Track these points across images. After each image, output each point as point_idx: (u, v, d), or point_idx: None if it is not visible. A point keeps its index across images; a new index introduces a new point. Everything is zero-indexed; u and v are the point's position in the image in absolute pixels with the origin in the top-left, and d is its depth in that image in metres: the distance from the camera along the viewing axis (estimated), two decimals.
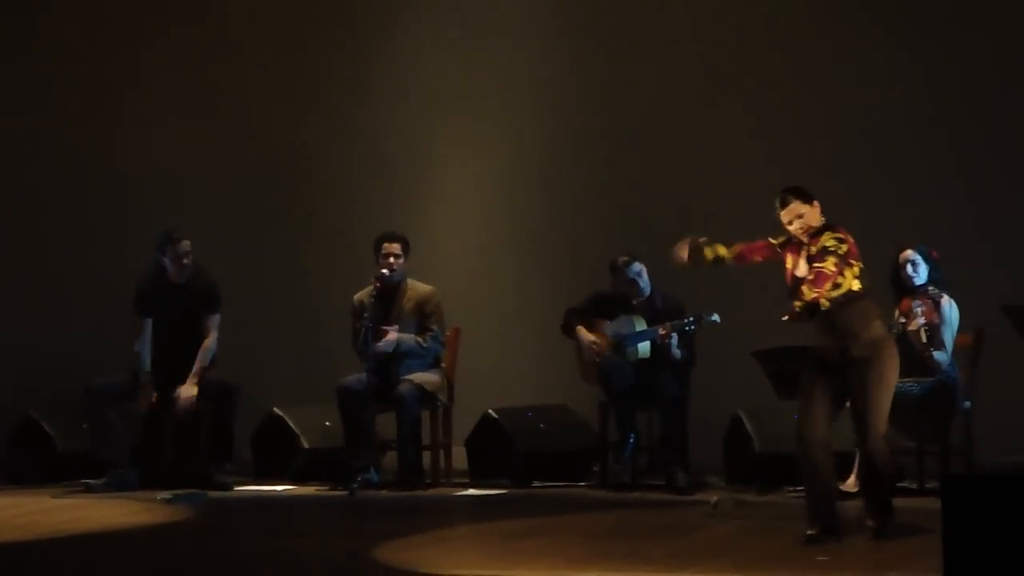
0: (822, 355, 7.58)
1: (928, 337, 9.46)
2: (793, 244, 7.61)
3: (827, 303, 7.45)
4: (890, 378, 7.61)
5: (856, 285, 7.49)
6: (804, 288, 7.41)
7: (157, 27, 12.51)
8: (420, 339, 10.30)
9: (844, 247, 7.45)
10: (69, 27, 12.62)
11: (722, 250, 7.78)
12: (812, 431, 7.58)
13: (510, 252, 11.90)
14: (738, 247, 7.78)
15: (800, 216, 7.54)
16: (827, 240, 7.46)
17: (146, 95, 12.45)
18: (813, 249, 7.48)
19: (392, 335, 10.21)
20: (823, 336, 7.56)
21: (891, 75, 11.00)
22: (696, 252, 7.75)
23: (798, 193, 7.58)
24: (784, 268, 7.61)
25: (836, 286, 7.46)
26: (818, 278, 7.40)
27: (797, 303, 7.44)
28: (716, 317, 9.90)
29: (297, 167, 12.25)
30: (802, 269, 7.51)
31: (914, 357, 9.53)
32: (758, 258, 7.80)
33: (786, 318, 7.50)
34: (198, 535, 8.65)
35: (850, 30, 11.14)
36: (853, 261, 7.49)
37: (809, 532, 7.54)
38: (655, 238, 10.63)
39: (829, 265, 7.41)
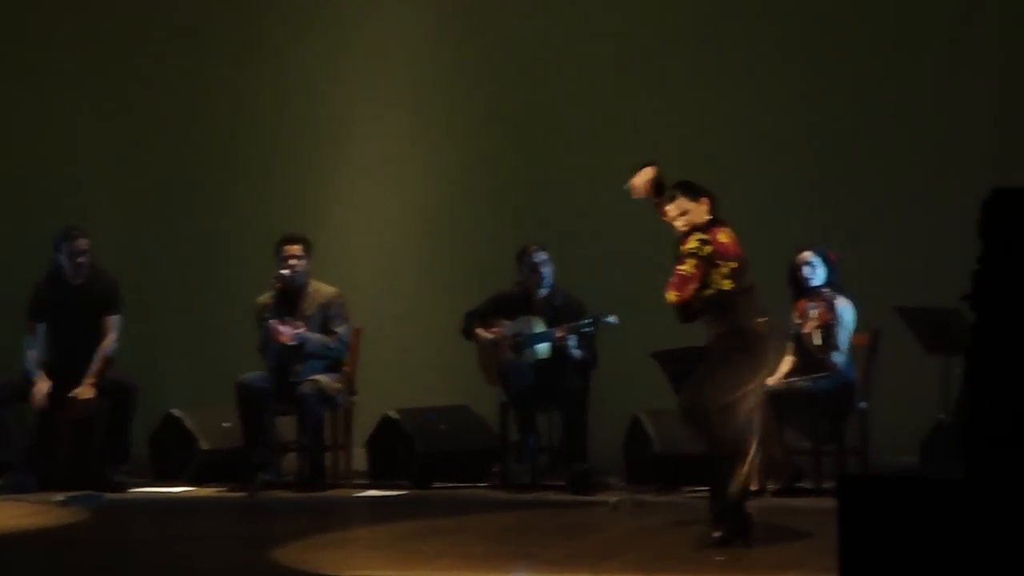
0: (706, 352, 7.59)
1: (823, 338, 9.55)
2: None
3: (700, 304, 7.45)
4: (734, 365, 7.41)
5: (727, 284, 7.42)
6: (667, 291, 7.41)
7: (56, 23, 12.37)
8: (327, 340, 10.25)
9: (708, 248, 7.38)
10: None
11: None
12: None
13: (412, 253, 11.88)
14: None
15: (685, 212, 7.49)
16: (692, 242, 7.40)
17: (42, 93, 12.30)
18: (682, 249, 7.48)
19: (301, 328, 10.14)
20: (706, 336, 7.57)
21: (792, 77, 11.09)
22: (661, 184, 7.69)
23: (687, 189, 7.53)
24: None
25: (706, 286, 7.45)
26: (678, 281, 7.35)
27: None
28: (613, 318, 9.93)
29: (198, 164, 12.16)
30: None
31: (811, 358, 9.63)
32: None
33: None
34: (94, 538, 8.56)
35: (753, 33, 11.22)
36: (720, 261, 7.40)
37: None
38: (561, 241, 10.69)
39: (688, 267, 7.35)
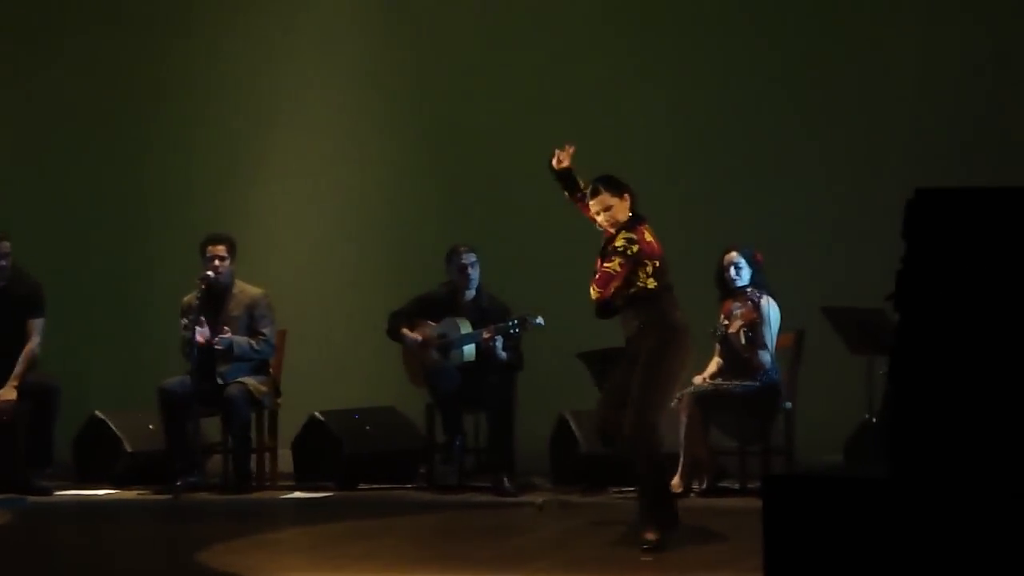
0: (626, 346, 7.59)
1: (748, 338, 9.58)
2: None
3: (622, 301, 7.46)
4: (668, 367, 7.43)
5: (651, 283, 7.43)
6: (591, 287, 7.41)
7: None
8: (253, 342, 10.19)
9: (635, 247, 7.38)
10: None
11: (581, 182, 7.70)
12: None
13: (337, 254, 11.84)
14: (584, 198, 7.68)
15: (608, 208, 7.46)
16: (619, 240, 7.41)
17: None
18: (609, 247, 7.46)
19: (228, 331, 10.07)
20: (624, 330, 7.58)
21: (720, 76, 11.14)
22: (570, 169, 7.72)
23: (609, 184, 7.51)
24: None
25: (631, 284, 7.45)
26: (602, 278, 7.37)
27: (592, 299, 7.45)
28: (540, 320, 9.92)
29: (124, 163, 12.06)
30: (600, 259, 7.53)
31: (738, 358, 9.67)
32: (587, 214, 7.74)
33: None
34: (17, 541, 8.48)
35: (683, 32, 11.26)
36: (647, 260, 7.41)
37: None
38: (489, 241, 10.68)
39: (615, 266, 7.36)
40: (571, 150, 7.78)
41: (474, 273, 10.19)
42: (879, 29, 10.98)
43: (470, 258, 10.18)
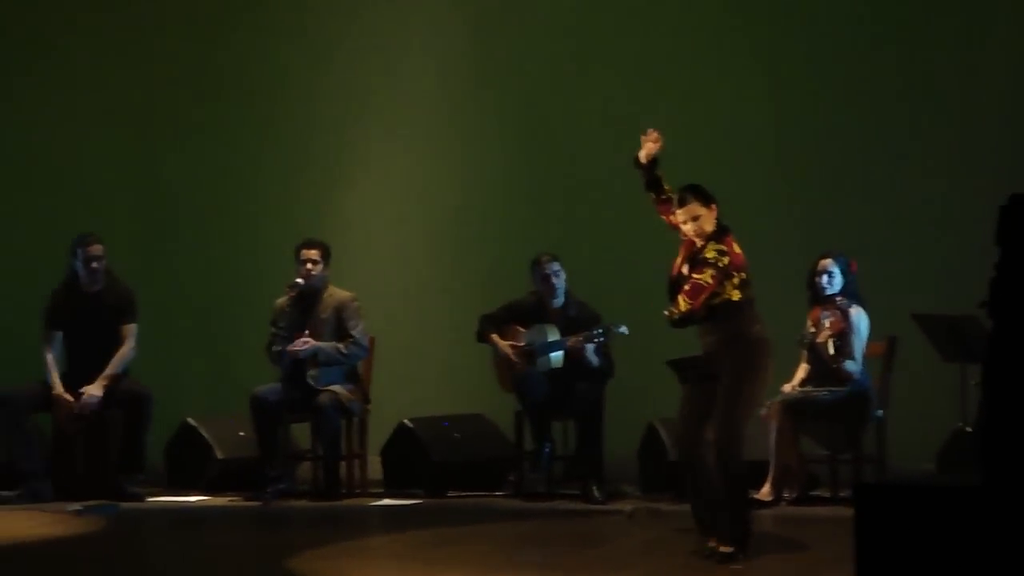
0: (705, 359, 7.55)
1: (837, 348, 9.50)
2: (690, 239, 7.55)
3: (704, 312, 7.40)
4: (751, 382, 7.36)
5: (736, 295, 7.37)
6: (680, 297, 7.36)
7: (67, 24, 12.37)
8: (341, 346, 10.24)
9: (725, 259, 7.32)
10: None
11: (666, 185, 7.67)
12: (684, 434, 7.53)
13: (426, 261, 11.88)
14: (668, 201, 7.66)
15: (696, 218, 7.41)
16: (709, 252, 7.34)
17: (59, 98, 12.30)
18: (699, 257, 7.39)
19: (309, 341, 10.13)
20: (703, 340, 7.53)
21: (809, 83, 11.08)
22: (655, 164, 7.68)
23: (697, 193, 7.46)
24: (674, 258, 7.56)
25: (716, 295, 7.39)
26: (693, 290, 7.30)
27: (672, 310, 7.39)
28: (624, 328, 9.89)
29: (212, 172, 12.16)
30: (687, 269, 7.47)
31: (825, 367, 9.59)
32: (665, 218, 7.72)
33: (667, 314, 7.44)
34: (110, 547, 8.56)
35: (770, 41, 11.21)
36: (735, 272, 7.36)
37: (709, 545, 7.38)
38: (576, 247, 10.68)
39: (706, 278, 7.29)
40: (655, 135, 7.72)
41: (558, 282, 10.18)
42: (971, 34, 10.87)
43: (553, 267, 10.17)
